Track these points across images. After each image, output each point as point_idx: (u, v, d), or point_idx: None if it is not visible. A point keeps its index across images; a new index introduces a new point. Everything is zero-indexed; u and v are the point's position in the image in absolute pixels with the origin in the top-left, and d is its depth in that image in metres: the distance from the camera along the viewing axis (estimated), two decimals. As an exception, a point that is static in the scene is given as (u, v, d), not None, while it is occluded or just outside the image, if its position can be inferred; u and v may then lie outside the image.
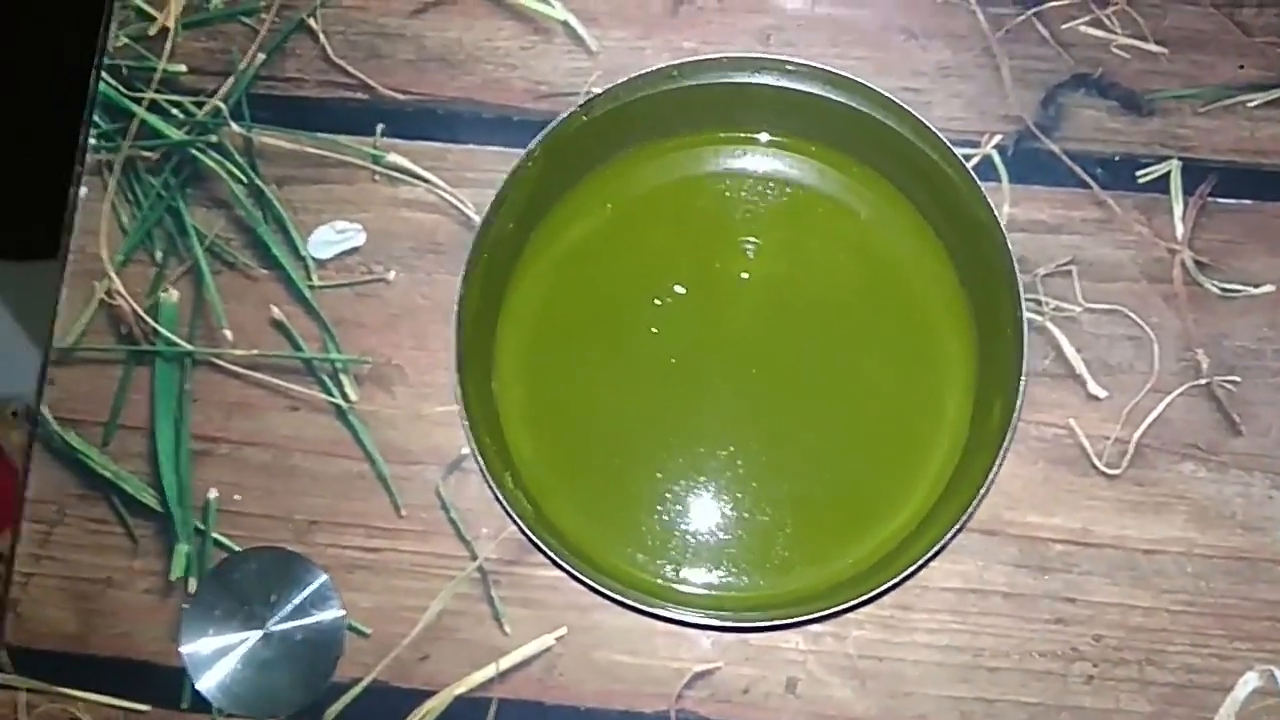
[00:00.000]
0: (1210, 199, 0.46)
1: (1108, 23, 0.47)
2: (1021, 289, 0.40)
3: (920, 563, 0.39)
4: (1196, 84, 0.47)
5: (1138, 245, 0.46)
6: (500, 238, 0.43)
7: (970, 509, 0.39)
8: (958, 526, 0.39)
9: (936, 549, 0.39)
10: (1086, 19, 0.48)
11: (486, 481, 0.40)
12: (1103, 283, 0.45)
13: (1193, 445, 0.44)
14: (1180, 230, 0.46)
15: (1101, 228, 0.46)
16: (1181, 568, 0.43)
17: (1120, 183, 0.46)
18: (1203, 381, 0.45)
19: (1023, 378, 0.40)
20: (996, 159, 0.47)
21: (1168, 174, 0.46)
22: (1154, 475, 0.44)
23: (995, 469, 0.39)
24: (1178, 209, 0.46)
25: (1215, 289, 0.46)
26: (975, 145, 0.46)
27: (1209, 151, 0.46)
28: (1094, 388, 0.45)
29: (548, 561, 0.43)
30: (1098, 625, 0.43)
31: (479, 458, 0.40)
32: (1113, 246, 0.46)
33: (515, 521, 0.40)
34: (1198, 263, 0.46)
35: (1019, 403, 0.40)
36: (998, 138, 0.47)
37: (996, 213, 0.41)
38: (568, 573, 0.40)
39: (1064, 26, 0.48)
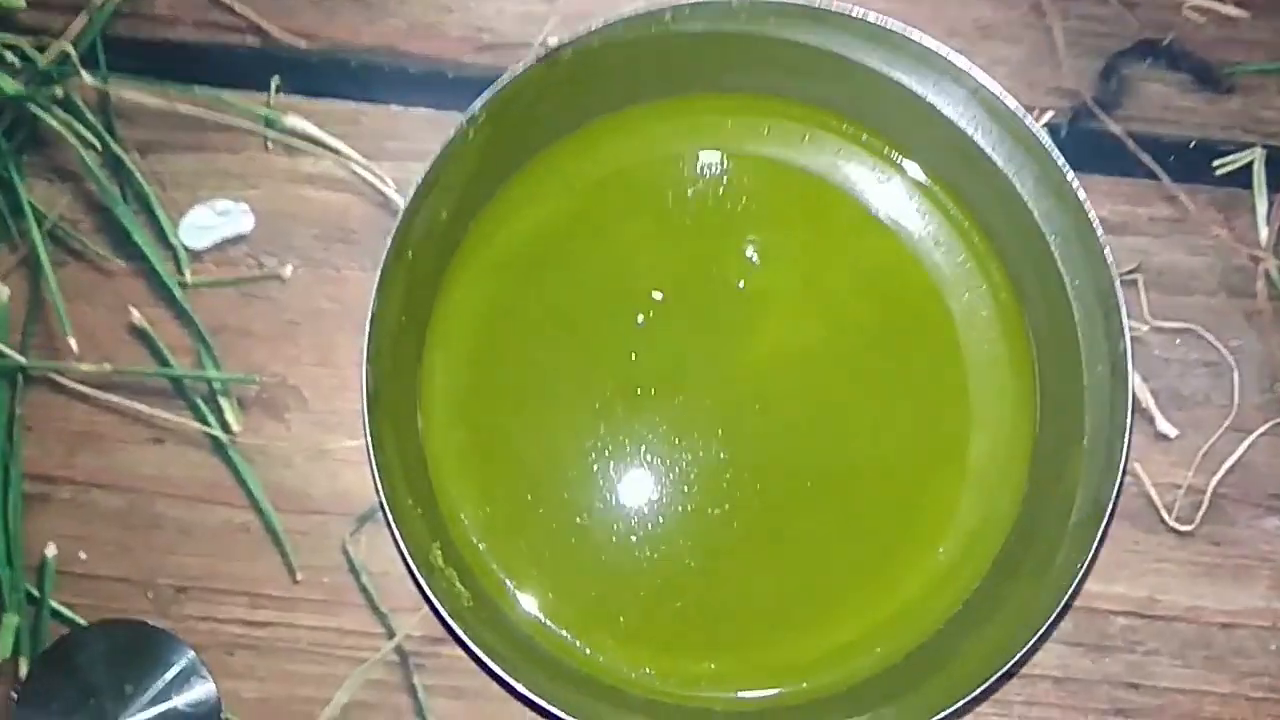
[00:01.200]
0: None
1: None
2: (1125, 312, 0.33)
3: (993, 677, 0.32)
4: None
5: (1215, 251, 0.41)
6: (430, 231, 0.35)
7: (1060, 605, 0.32)
8: (1044, 627, 0.32)
9: (1017, 655, 0.32)
10: None
11: (404, 558, 0.32)
12: (1174, 296, 0.40)
13: (1278, 496, 0.39)
14: (1265, 233, 0.41)
15: (1173, 228, 0.41)
16: (1264, 645, 0.39)
17: (1194, 174, 0.41)
18: None
19: (1126, 433, 0.32)
20: (1047, 141, 0.40)
21: (1250, 164, 0.41)
22: (1233, 533, 0.39)
23: (1090, 551, 0.32)
24: (1262, 207, 0.41)
25: None
26: (1029, 117, 0.39)
27: None
28: (1163, 425, 0.40)
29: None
30: (1166, 717, 0.39)
31: (396, 527, 0.31)
32: (1186, 252, 0.41)
33: (440, 616, 0.32)
34: None
35: (1119, 475, 0.33)
36: (1049, 115, 0.41)
37: (1086, 203, 0.34)
38: (513, 692, 0.31)
39: None
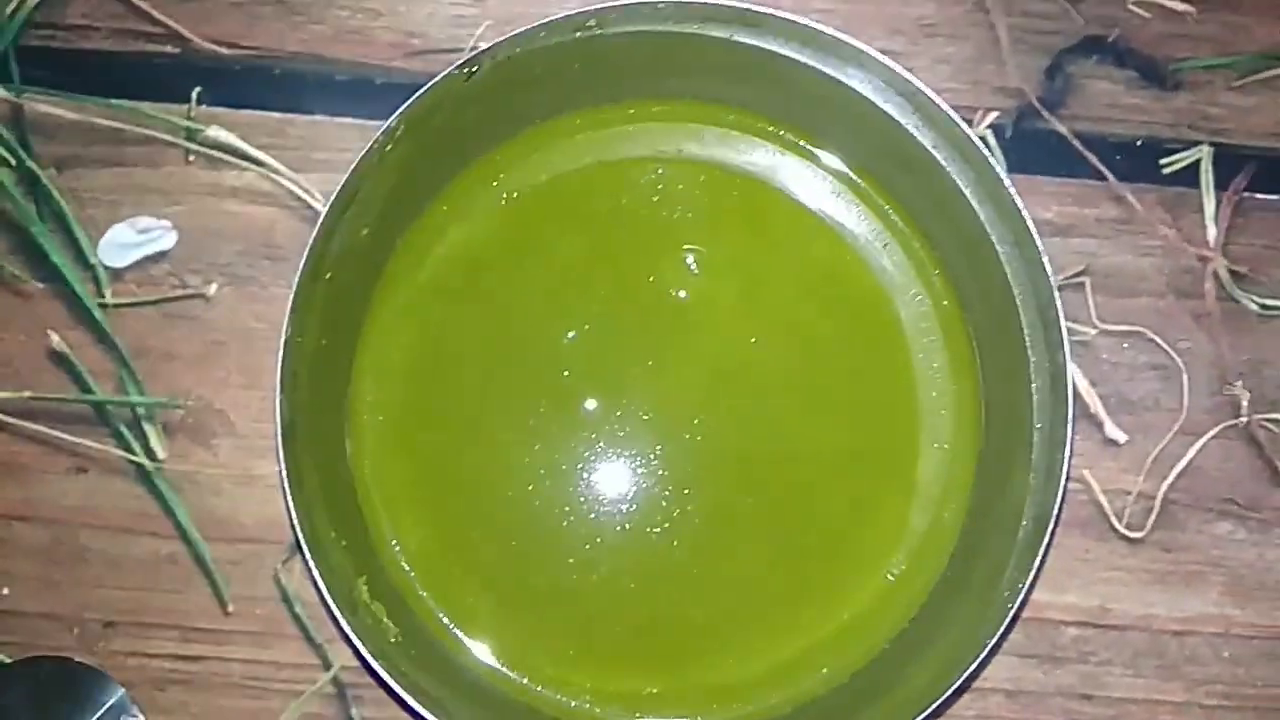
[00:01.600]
0: (1246, 194, 0.40)
1: None
2: (1063, 318, 0.32)
3: (939, 700, 0.31)
4: (1230, 51, 0.41)
5: (1162, 251, 0.40)
6: (349, 249, 0.33)
7: (1003, 624, 0.31)
8: (989, 644, 0.31)
9: (962, 678, 0.31)
10: None
11: (321, 595, 0.31)
12: (1121, 298, 0.39)
13: (1229, 500, 0.39)
14: (1212, 233, 0.40)
15: (1119, 230, 0.40)
16: (1217, 652, 0.38)
17: (1141, 173, 0.40)
18: (1241, 421, 0.39)
19: (1066, 447, 0.31)
20: (991, 141, 0.40)
21: (1197, 163, 0.40)
22: (1184, 538, 0.38)
23: (1033, 567, 0.31)
24: (1209, 206, 0.40)
25: (1254, 306, 0.40)
26: (967, 124, 0.38)
27: (1245, 136, 0.40)
28: (1112, 430, 0.39)
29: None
30: None
31: (315, 564, 0.30)
32: (1133, 253, 0.40)
33: (361, 655, 0.31)
34: (1233, 273, 0.40)
35: (1061, 485, 0.32)
36: (993, 115, 0.40)
37: (1023, 212, 0.33)
38: None
39: None
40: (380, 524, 0.35)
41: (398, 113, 0.33)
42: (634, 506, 0.35)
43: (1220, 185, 0.40)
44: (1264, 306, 0.39)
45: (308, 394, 0.32)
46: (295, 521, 0.31)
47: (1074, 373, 0.38)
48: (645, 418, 0.35)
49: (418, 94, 0.33)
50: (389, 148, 0.33)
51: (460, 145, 0.35)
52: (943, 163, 0.35)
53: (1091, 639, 0.38)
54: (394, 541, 0.35)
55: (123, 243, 0.39)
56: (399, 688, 0.30)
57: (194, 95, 0.40)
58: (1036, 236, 0.33)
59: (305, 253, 0.32)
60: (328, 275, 0.32)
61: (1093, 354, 0.39)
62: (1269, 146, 0.40)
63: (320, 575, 0.31)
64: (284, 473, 0.31)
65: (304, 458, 0.32)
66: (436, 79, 0.33)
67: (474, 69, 0.33)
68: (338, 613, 0.31)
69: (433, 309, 0.36)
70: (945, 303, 0.36)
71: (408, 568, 0.34)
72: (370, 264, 0.35)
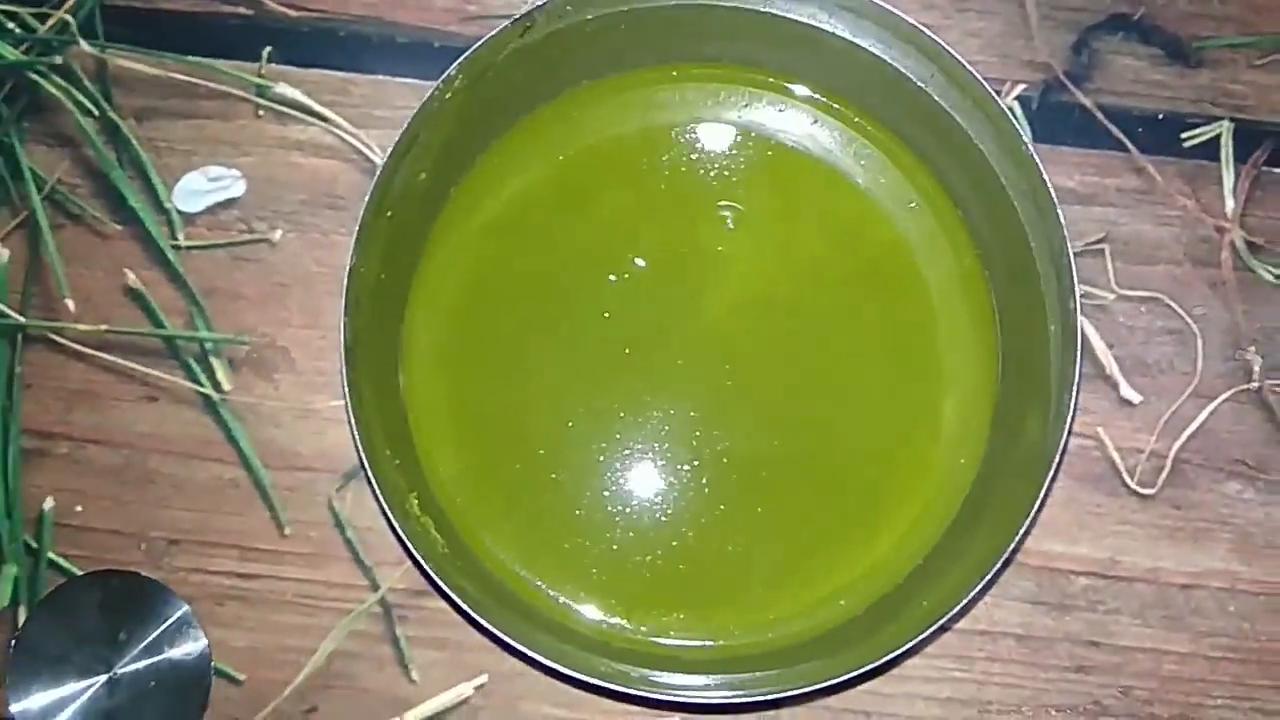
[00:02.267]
0: (1265, 169, 0.41)
1: None
2: (1075, 273, 0.33)
3: (938, 623, 0.32)
4: (1253, 31, 0.42)
5: (1181, 221, 0.41)
6: (408, 191, 0.35)
7: (1006, 554, 0.32)
8: (988, 576, 0.32)
9: (961, 604, 0.32)
10: None
11: (380, 505, 0.33)
12: (1139, 265, 0.40)
13: (1239, 461, 0.39)
14: (1230, 205, 0.41)
15: (1139, 199, 0.41)
16: (1223, 606, 0.39)
17: (1162, 146, 0.41)
18: (1253, 386, 0.40)
19: (1074, 389, 0.33)
20: (1019, 112, 0.41)
21: (1218, 137, 0.41)
22: (1194, 496, 0.39)
23: (1037, 504, 0.32)
24: (1228, 179, 0.41)
25: (1269, 275, 0.41)
26: (991, 89, 0.39)
27: (1266, 112, 0.41)
28: (1127, 391, 0.40)
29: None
30: (1125, 674, 0.38)
31: (372, 473, 0.32)
32: (1152, 222, 0.41)
33: (415, 560, 0.32)
34: (1250, 244, 0.41)
35: (1069, 416, 0.33)
36: (1021, 87, 0.41)
37: (1041, 170, 0.34)
38: (487, 633, 0.32)
39: None
40: (429, 448, 0.36)
41: (457, 63, 0.34)
42: (666, 444, 0.36)
43: (1240, 159, 0.41)
44: (1279, 276, 0.40)
45: (367, 322, 0.34)
46: (355, 436, 0.33)
47: (1091, 334, 0.39)
48: (679, 361, 0.37)
49: (474, 48, 0.34)
50: (447, 96, 0.34)
51: (514, 99, 0.37)
52: (966, 125, 0.36)
53: (1101, 589, 0.38)
54: (439, 465, 0.36)
55: (195, 189, 0.41)
56: (449, 589, 0.32)
57: (264, 54, 0.41)
58: (1053, 194, 0.34)
59: (369, 191, 0.34)
60: (389, 214, 0.34)
61: (1110, 317, 0.40)
62: (1289, 123, 0.41)
63: (377, 486, 0.32)
64: (345, 390, 0.33)
65: (363, 380, 0.33)
66: (491, 35, 0.34)
67: (529, 24, 0.34)
68: (393, 519, 0.32)
69: (483, 252, 0.37)
70: (966, 258, 0.37)
71: (452, 491, 0.36)
72: (427, 206, 0.36)
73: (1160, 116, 0.41)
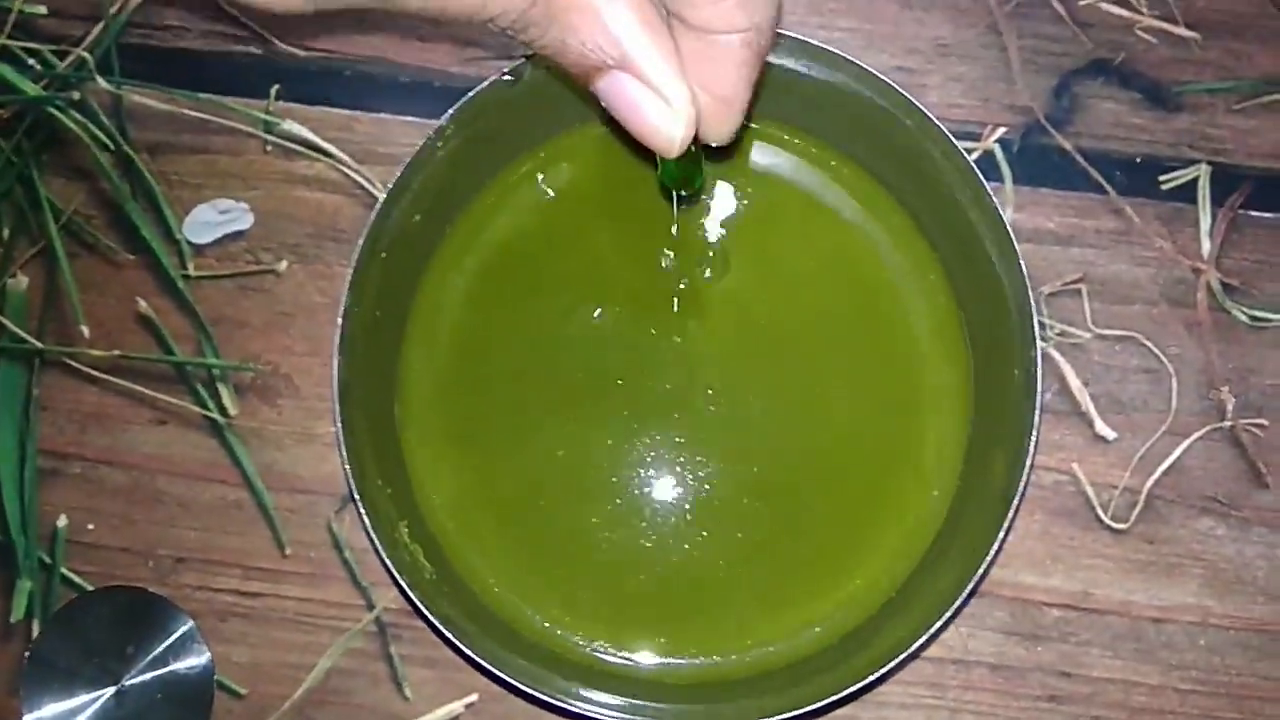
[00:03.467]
0: (1242, 211, 0.42)
1: (1133, 0, 0.42)
2: (1037, 318, 0.34)
3: (905, 654, 0.33)
4: (1232, 76, 0.42)
5: (1158, 262, 0.41)
6: (403, 232, 0.36)
7: (971, 583, 0.33)
8: (951, 610, 0.33)
9: (931, 632, 0.33)
10: None
11: (368, 534, 0.34)
12: (1116, 305, 0.41)
13: (1212, 498, 0.40)
14: (1207, 247, 0.42)
15: (1117, 240, 0.41)
16: (1194, 640, 0.39)
17: (1141, 189, 0.42)
18: (1226, 424, 0.40)
19: (1034, 429, 0.34)
20: (999, 155, 0.42)
21: (1195, 180, 0.42)
22: (1166, 532, 0.40)
23: (1000, 536, 0.33)
24: (1205, 222, 0.42)
25: (1244, 317, 0.41)
26: (975, 138, 0.40)
27: (1244, 156, 0.42)
28: (1101, 428, 0.40)
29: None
30: (1096, 705, 0.39)
31: (362, 504, 0.33)
32: (1129, 263, 0.41)
33: (401, 587, 0.34)
34: (1225, 285, 0.41)
35: (1028, 458, 0.34)
36: (1001, 130, 0.42)
37: (1005, 219, 0.35)
38: (469, 660, 0.33)
39: (1082, 3, 0.43)
40: (421, 477, 0.37)
41: (448, 114, 0.36)
42: (653, 472, 0.37)
43: (1216, 202, 0.41)
44: (1254, 318, 0.41)
45: (362, 358, 0.35)
46: (346, 468, 0.34)
47: (1068, 372, 0.40)
48: (667, 387, 0.38)
49: (465, 98, 0.36)
50: (439, 145, 0.35)
51: (504, 144, 0.38)
52: (938, 170, 0.37)
53: (1073, 621, 0.39)
54: (432, 493, 0.37)
55: (205, 221, 0.42)
56: (432, 617, 0.33)
57: (273, 92, 0.42)
58: (1013, 238, 0.35)
59: (364, 233, 0.35)
60: (383, 254, 0.35)
61: (1086, 355, 0.40)
62: (1267, 167, 0.41)
63: (367, 516, 0.34)
64: (338, 425, 0.34)
65: (356, 414, 0.35)
66: (483, 85, 0.36)
67: (517, 77, 0.36)
68: (381, 549, 0.34)
69: (475, 288, 0.38)
70: (941, 299, 0.38)
71: (443, 517, 0.37)
72: (422, 247, 0.37)
73: (1139, 160, 0.42)
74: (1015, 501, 0.34)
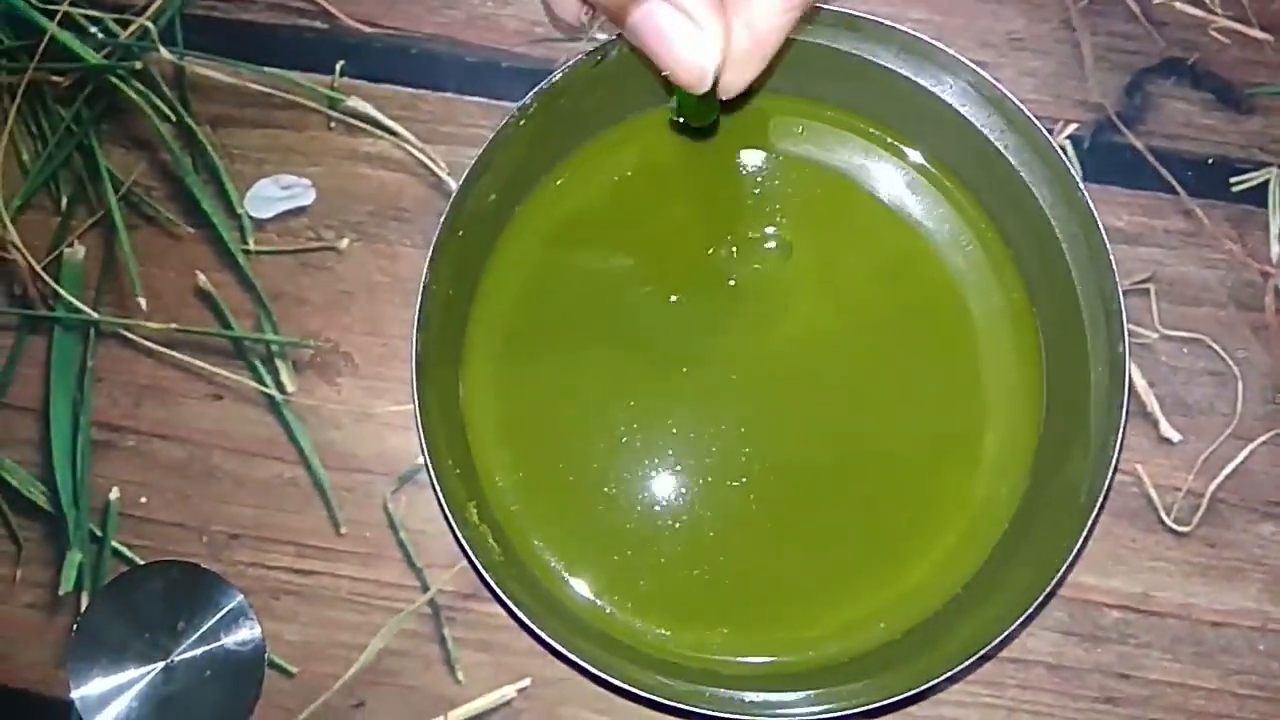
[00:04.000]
0: None
1: (1206, 1, 0.42)
2: (1125, 317, 0.34)
3: (976, 654, 0.33)
4: None
5: (1227, 265, 0.41)
6: (479, 211, 0.36)
7: (1045, 591, 0.33)
8: (1027, 612, 0.33)
9: (999, 638, 0.33)
10: None
11: (445, 515, 0.34)
12: (1184, 306, 0.41)
13: (1275, 503, 0.40)
14: (1276, 250, 0.41)
15: (1186, 241, 0.41)
16: (1253, 644, 0.39)
17: (1211, 190, 0.41)
18: None
19: (1120, 430, 0.33)
20: (1070, 151, 0.42)
21: (1266, 183, 0.41)
22: (1228, 536, 0.39)
23: (1077, 545, 0.33)
24: (1275, 225, 0.41)
25: None
26: (1045, 130, 0.39)
27: None
28: (1167, 429, 0.40)
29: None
30: (1154, 708, 0.38)
31: (437, 482, 0.33)
32: (1198, 264, 0.41)
33: (476, 568, 0.33)
34: None
35: (1113, 460, 0.33)
36: (1073, 127, 0.42)
37: (1097, 216, 0.34)
38: (538, 639, 0.33)
39: (1157, 2, 0.42)
40: (485, 459, 0.37)
41: (533, 91, 0.35)
42: (716, 461, 0.37)
43: (1287, 206, 0.41)
44: (1321, 323, 0.41)
45: (435, 338, 0.35)
46: (422, 445, 0.34)
47: (1134, 373, 0.40)
48: (730, 379, 0.37)
49: (551, 76, 0.35)
50: (521, 123, 0.35)
51: (583, 123, 0.37)
52: (1019, 165, 0.36)
53: (1133, 622, 0.39)
54: (496, 476, 0.37)
55: (267, 196, 0.41)
56: (504, 595, 0.33)
57: (338, 68, 0.42)
58: (1105, 236, 0.35)
59: (445, 211, 0.35)
60: (460, 233, 0.35)
61: (1153, 356, 0.40)
62: (1337, 172, 0.41)
63: (441, 494, 0.33)
64: (416, 403, 0.34)
65: (430, 393, 0.34)
66: (569, 63, 0.35)
67: (603, 55, 0.35)
68: (454, 526, 0.33)
69: (541, 269, 0.38)
70: (1015, 295, 0.38)
71: (507, 502, 0.37)
72: (493, 225, 0.37)
73: (1210, 161, 0.41)
74: (1099, 503, 0.33)
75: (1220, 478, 0.40)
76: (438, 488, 0.33)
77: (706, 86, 0.28)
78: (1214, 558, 0.39)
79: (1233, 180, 0.41)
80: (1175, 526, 0.39)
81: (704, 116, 0.33)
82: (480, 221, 0.36)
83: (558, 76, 0.35)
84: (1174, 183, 0.41)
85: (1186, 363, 0.40)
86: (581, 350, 0.38)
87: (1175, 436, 0.40)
